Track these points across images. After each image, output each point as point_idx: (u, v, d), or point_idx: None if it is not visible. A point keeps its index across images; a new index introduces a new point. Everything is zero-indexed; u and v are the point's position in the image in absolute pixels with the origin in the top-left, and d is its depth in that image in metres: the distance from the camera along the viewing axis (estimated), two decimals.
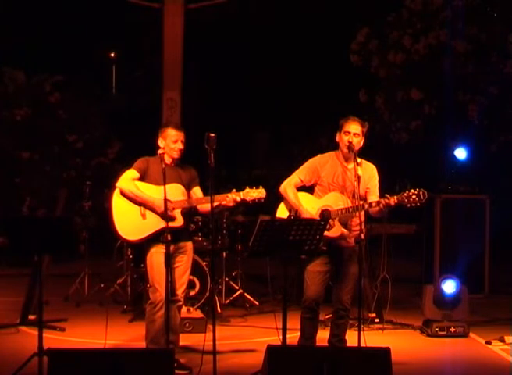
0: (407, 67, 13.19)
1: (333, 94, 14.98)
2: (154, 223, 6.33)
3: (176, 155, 6.50)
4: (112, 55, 19.14)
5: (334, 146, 6.65)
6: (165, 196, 6.16)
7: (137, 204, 6.40)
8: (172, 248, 6.24)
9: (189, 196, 6.52)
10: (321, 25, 15.59)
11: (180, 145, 6.49)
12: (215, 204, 6.22)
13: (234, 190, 6.38)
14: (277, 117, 16.82)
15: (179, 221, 6.39)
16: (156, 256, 6.37)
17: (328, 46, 14.92)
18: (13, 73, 14.43)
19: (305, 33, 15.95)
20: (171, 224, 6.24)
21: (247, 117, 16.86)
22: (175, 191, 6.39)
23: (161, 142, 6.54)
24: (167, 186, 6.25)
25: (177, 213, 6.38)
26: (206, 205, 6.29)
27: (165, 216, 6.17)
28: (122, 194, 6.41)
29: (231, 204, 6.37)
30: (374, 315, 8.37)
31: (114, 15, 15.00)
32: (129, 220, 6.37)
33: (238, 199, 6.34)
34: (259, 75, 16.51)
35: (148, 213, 6.38)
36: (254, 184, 6.44)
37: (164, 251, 6.17)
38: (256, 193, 6.36)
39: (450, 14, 12.69)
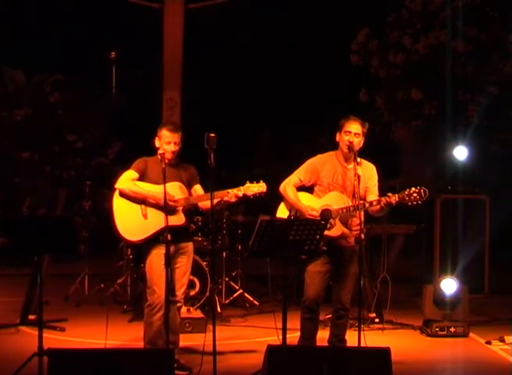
0: (407, 67, 13.19)
1: (333, 94, 14.97)
2: (156, 223, 6.32)
3: (168, 156, 6.49)
4: (112, 55, 19.11)
5: (334, 146, 6.65)
6: (164, 194, 6.16)
7: (138, 202, 6.38)
8: (172, 248, 6.23)
9: (190, 194, 6.52)
10: (321, 25, 15.58)
11: (173, 147, 6.48)
12: (217, 200, 6.24)
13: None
14: (277, 117, 16.81)
15: (181, 219, 6.39)
16: (156, 258, 6.35)
17: (329, 46, 14.91)
18: (13, 73, 14.43)
19: (305, 33, 15.94)
20: (173, 223, 6.24)
21: (248, 117, 16.84)
22: (175, 190, 6.40)
23: (157, 142, 6.56)
24: (168, 184, 6.27)
25: (179, 211, 6.38)
26: (207, 202, 6.28)
27: (165, 209, 6.16)
28: (122, 194, 6.39)
29: (233, 199, 6.35)
30: (374, 315, 8.37)
31: (114, 15, 14.98)
32: (130, 221, 6.36)
33: (240, 194, 6.33)
34: (259, 75, 16.50)
35: (150, 212, 6.37)
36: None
37: (164, 252, 6.17)
38: (257, 187, 6.36)
39: (450, 14, 12.69)
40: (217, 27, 15.95)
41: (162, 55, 12.90)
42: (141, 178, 6.47)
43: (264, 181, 6.43)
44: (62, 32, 15.29)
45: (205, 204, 6.41)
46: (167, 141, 6.49)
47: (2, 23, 14.39)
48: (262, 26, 16.21)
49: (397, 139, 11.96)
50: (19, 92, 14.31)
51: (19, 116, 13.96)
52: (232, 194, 6.34)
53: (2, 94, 14.22)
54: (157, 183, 6.35)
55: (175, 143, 6.48)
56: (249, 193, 6.35)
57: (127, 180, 6.42)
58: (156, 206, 6.34)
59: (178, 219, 6.36)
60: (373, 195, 6.48)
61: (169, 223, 6.17)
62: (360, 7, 13.86)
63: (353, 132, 6.44)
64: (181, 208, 6.39)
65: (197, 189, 6.60)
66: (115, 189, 6.44)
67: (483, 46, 12.63)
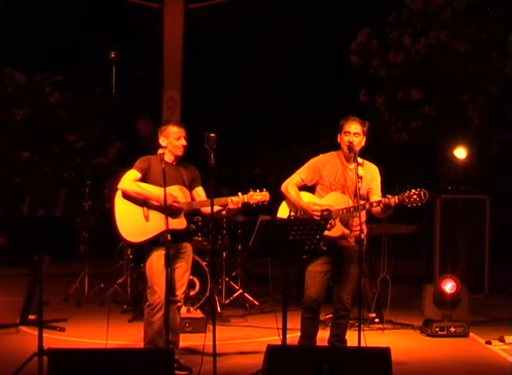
0: (407, 67, 13.20)
1: (333, 94, 14.97)
2: (158, 225, 6.30)
3: (179, 152, 6.47)
4: (112, 55, 19.11)
5: (334, 146, 6.65)
6: (165, 195, 6.15)
7: (140, 203, 6.36)
8: (172, 249, 6.22)
9: (191, 196, 6.50)
10: (321, 25, 15.59)
11: (183, 142, 6.47)
12: (220, 208, 6.24)
13: (240, 193, 6.37)
14: (277, 117, 16.82)
15: (182, 223, 6.37)
16: (156, 258, 6.34)
17: (329, 46, 14.92)
18: (13, 73, 14.43)
19: (305, 33, 15.95)
20: (174, 226, 6.22)
21: (248, 117, 16.84)
22: (177, 193, 6.37)
23: (163, 141, 6.50)
24: (170, 188, 6.24)
25: (181, 215, 6.37)
26: (209, 207, 6.27)
27: (166, 210, 6.15)
28: (125, 195, 6.35)
29: (236, 207, 6.34)
30: (374, 315, 8.37)
31: (114, 15, 14.99)
32: (131, 222, 6.33)
33: (243, 200, 6.31)
34: (259, 75, 16.51)
35: (152, 215, 6.35)
36: (254, 184, 6.43)
37: (164, 253, 6.16)
38: (260, 196, 6.35)
39: (450, 14, 12.71)
40: (217, 27, 15.96)
41: (162, 55, 12.89)
42: (144, 178, 6.43)
43: (264, 181, 6.44)
44: (62, 32, 15.30)
45: (207, 209, 6.36)
46: (177, 137, 6.45)
47: (2, 23, 14.40)
48: (262, 26, 16.22)
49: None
50: (19, 92, 14.31)
51: (19, 116, 13.96)
52: (235, 201, 6.31)
53: (2, 94, 14.22)
54: (159, 184, 6.29)
55: (184, 138, 6.47)
56: (252, 201, 6.34)
57: (130, 180, 6.38)
58: (159, 208, 6.32)
59: (179, 224, 6.35)
60: (376, 196, 6.47)
61: (170, 227, 6.15)
62: (360, 7, 13.87)
63: (352, 132, 6.44)
64: (183, 212, 6.39)
65: (199, 191, 6.57)
66: (117, 189, 6.42)
67: (483, 46, 12.65)
